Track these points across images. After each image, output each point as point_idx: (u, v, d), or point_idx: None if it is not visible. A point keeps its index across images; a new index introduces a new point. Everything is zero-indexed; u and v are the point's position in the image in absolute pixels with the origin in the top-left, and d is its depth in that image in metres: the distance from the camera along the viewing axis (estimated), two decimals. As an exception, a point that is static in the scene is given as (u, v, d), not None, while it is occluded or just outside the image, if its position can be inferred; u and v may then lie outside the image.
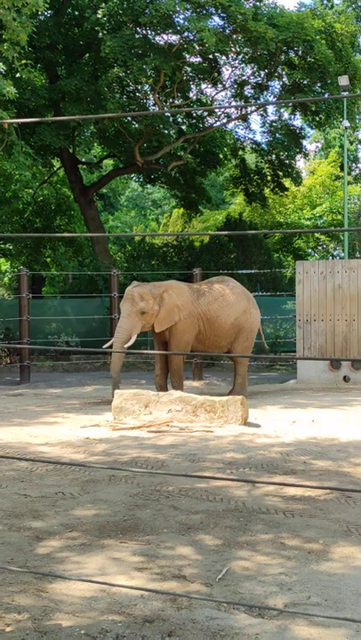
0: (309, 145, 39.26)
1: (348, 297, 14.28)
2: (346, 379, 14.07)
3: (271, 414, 10.13)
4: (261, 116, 24.05)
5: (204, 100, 23.30)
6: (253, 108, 22.94)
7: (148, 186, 29.32)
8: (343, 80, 19.80)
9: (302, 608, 3.61)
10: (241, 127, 25.10)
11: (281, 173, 24.65)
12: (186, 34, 18.66)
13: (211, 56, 20.56)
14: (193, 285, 12.49)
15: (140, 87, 21.62)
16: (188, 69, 21.27)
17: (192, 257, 22.50)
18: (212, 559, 4.30)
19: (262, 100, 22.55)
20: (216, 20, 19.40)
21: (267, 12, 19.95)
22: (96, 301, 19.79)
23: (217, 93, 23.32)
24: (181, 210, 29.11)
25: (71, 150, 22.54)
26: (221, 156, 25.01)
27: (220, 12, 18.72)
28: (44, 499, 5.60)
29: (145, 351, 4.41)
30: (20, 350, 16.39)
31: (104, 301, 18.96)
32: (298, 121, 25.29)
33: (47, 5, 14.16)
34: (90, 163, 26.95)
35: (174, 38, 19.12)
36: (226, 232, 2.79)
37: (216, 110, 23.13)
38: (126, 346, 11.10)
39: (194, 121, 23.23)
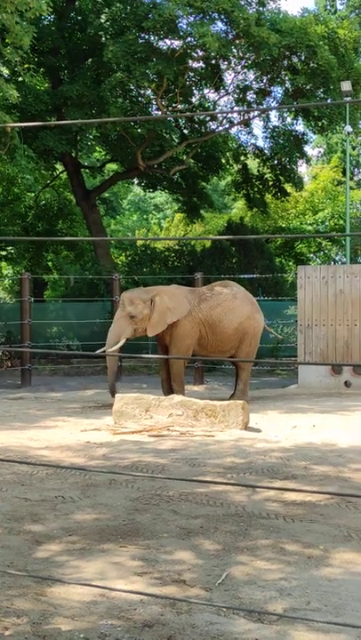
0: (312, 150, 39.22)
1: (349, 302, 14.28)
2: (347, 384, 14.05)
3: (272, 419, 10.12)
4: (264, 121, 24.10)
5: (207, 105, 23.31)
6: (256, 113, 22.95)
7: (150, 190, 29.32)
8: (346, 85, 19.85)
9: (302, 613, 3.60)
10: (243, 132, 25.14)
11: (283, 178, 24.66)
12: (189, 39, 18.68)
13: (213, 61, 20.57)
14: (195, 290, 12.42)
15: (142, 92, 21.65)
16: (191, 74, 21.28)
17: (194, 261, 22.48)
18: (211, 564, 4.29)
19: (265, 105, 22.58)
20: (219, 25, 19.44)
21: (270, 17, 19.97)
22: (97, 305, 19.78)
23: (219, 98, 23.37)
24: (183, 214, 29.13)
25: (73, 154, 22.57)
26: (223, 160, 25.00)
27: (222, 17, 18.74)
28: (43, 502, 5.59)
29: (146, 355, 4.41)
30: (22, 354, 16.40)
31: (105, 305, 18.95)
32: (300, 126, 25.33)
33: (50, 10, 14.23)
34: (92, 167, 26.97)
35: (177, 43, 19.15)
36: (227, 236, 2.78)
37: (218, 115, 23.13)
38: (115, 348, 11.15)
39: (196, 126, 23.24)
